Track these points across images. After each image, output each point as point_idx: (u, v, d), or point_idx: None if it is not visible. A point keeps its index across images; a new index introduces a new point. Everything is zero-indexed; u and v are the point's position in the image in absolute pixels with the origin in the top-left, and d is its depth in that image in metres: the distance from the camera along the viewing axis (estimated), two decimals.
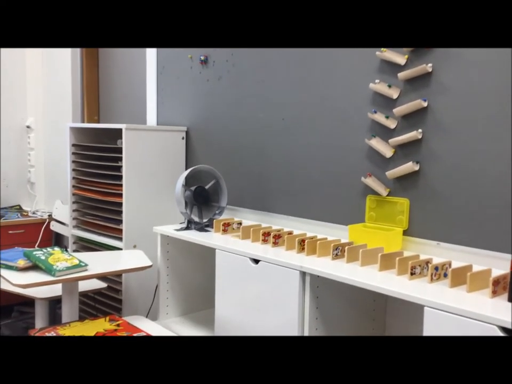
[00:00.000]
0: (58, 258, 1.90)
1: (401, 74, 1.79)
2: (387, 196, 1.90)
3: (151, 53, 2.85)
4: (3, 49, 3.50)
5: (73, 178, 2.79)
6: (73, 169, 2.78)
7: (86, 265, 1.92)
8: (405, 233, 1.85)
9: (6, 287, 2.24)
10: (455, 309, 1.26)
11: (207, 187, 2.28)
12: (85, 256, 2.14)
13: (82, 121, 3.39)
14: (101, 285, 2.49)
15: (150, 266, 2.05)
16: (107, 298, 2.70)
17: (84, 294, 2.75)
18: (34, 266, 1.90)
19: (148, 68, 2.88)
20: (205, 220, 2.26)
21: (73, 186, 2.79)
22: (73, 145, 2.77)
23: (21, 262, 1.90)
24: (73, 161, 2.77)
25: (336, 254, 1.72)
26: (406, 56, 1.80)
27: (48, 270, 1.83)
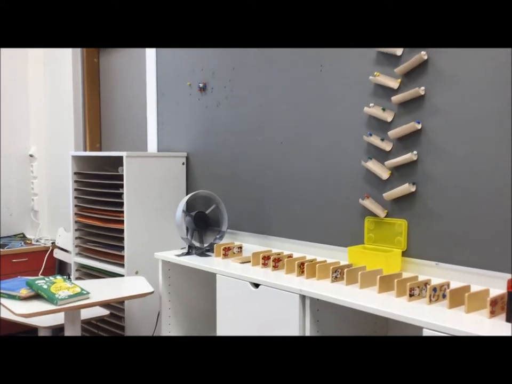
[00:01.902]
0: (60, 287, 1.91)
1: (395, 98, 1.83)
2: (385, 217, 1.91)
3: (150, 80, 2.90)
4: (6, 79, 3.57)
5: (76, 206, 2.82)
6: (76, 197, 2.81)
7: (88, 293, 1.93)
8: (404, 254, 1.86)
9: (9, 316, 2.25)
10: (454, 330, 1.27)
11: (207, 212, 2.30)
12: (87, 284, 2.15)
13: (85, 149, 3.43)
14: (104, 312, 2.49)
15: (152, 292, 2.06)
16: (110, 325, 2.70)
17: (87, 322, 2.75)
18: (36, 295, 1.91)
19: (148, 95, 2.93)
20: (205, 245, 2.27)
21: (76, 213, 2.82)
22: (75, 173, 2.81)
23: (24, 292, 1.91)
24: (76, 189, 2.81)
25: (336, 277, 1.73)
26: (399, 80, 1.83)
27: (50, 299, 1.85)
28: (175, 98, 2.78)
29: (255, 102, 2.36)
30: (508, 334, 1.22)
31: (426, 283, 1.54)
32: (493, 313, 1.35)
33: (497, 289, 1.59)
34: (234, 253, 2.16)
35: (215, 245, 2.18)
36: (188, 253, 2.22)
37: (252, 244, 2.41)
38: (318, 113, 2.11)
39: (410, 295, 1.50)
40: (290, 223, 2.25)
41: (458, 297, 1.44)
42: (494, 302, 1.35)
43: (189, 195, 2.26)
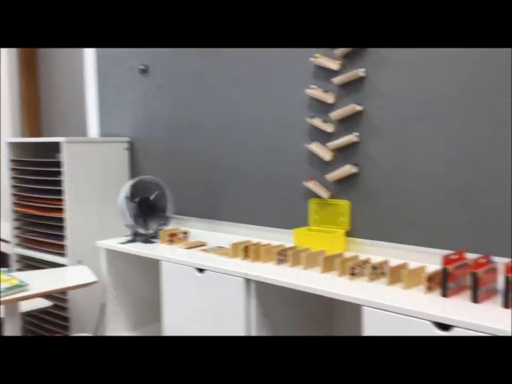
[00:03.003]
0: None
1: (336, 80, 1.84)
2: (329, 198, 1.93)
3: (90, 64, 2.80)
4: None
5: (14, 194, 2.70)
6: (13, 186, 2.69)
7: (27, 284, 1.86)
8: (348, 234, 1.89)
9: None
10: (392, 307, 1.30)
11: (151, 198, 2.26)
12: (28, 275, 2.07)
13: (23, 137, 3.28)
14: (46, 303, 2.42)
15: (95, 282, 2.01)
16: (54, 316, 2.62)
17: (29, 314, 2.66)
18: None
19: (88, 78, 2.82)
20: (150, 231, 2.23)
21: (14, 203, 2.70)
22: (11, 160, 2.68)
23: None
24: (13, 177, 2.69)
25: (281, 259, 1.74)
26: (339, 62, 1.84)
27: None
28: (115, 82, 2.69)
29: (197, 85, 2.32)
30: (444, 309, 1.26)
31: (366, 262, 1.57)
32: (429, 289, 1.39)
33: (434, 265, 1.64)
34: (180, 238, 2.13)
35: (160, 231, 2.14)
36: (133, 240, 2.17)
37: (198, 229, 2.39)
38: (260, 95, 2.10)
39: (352, 274, 1.53)
40: (236, 207, 2.24)
41: (396, 275, 1.47)
42: (430, 278, 1.39)
43: (131, 181, 2.21)
